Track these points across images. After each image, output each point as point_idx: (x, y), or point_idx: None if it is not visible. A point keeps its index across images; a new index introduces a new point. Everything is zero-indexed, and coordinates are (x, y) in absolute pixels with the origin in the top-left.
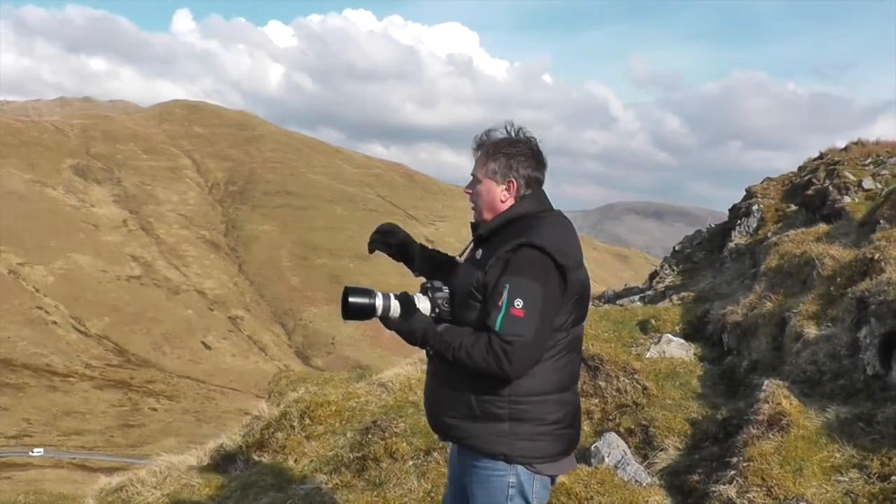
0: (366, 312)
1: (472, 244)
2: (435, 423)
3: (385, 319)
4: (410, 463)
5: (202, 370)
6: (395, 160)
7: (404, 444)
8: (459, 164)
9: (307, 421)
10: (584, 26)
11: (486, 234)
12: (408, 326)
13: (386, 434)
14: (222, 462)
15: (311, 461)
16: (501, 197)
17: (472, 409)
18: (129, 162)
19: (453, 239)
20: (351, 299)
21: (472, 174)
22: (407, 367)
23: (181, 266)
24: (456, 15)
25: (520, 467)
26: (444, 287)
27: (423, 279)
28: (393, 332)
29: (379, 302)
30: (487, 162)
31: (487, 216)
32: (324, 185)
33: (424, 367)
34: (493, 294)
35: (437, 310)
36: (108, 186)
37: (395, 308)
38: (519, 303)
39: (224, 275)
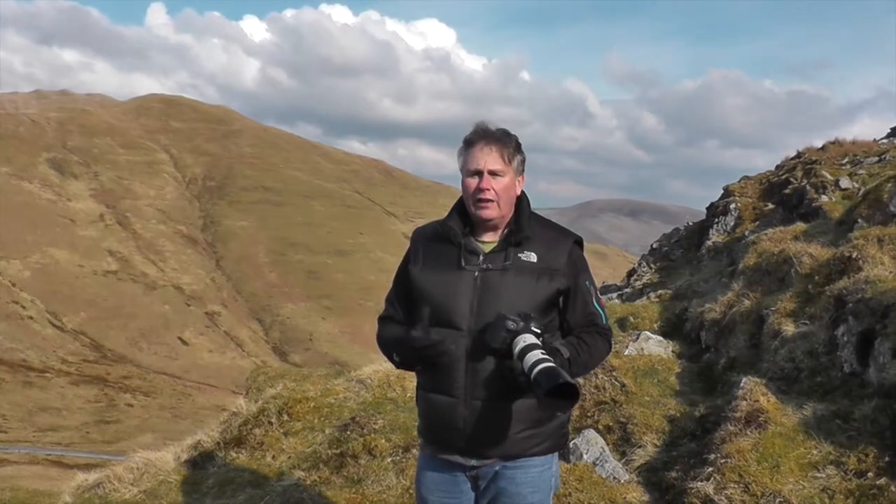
0: None
1: (475, 247)
2: (495, 447)
3: None
4: (389, 459)
5: (179, 366)
6: (373, 156)
7: (383, 440)
8: (438, 160)
9: (285, 417)
10: (561, 24)
11: (523, 236)
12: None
13: (364, 431)
14: (200, 459)
15: (290, 458)
16: (517, 190)
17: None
18: (106, 156)
19: None
20: (570, 379)
21: (488, 168)
22: (385, 364)
23: (158, 261)
24: (433, 11)
25: (556, 453)
26: (528, 313)
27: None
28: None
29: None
30: (515, 154)
31: (507, 212)
32: (302, 181)
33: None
34: (581, 293)
35: (541, 338)
36: (84, 180)
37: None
38: (598, 293)
39: (201, 270)
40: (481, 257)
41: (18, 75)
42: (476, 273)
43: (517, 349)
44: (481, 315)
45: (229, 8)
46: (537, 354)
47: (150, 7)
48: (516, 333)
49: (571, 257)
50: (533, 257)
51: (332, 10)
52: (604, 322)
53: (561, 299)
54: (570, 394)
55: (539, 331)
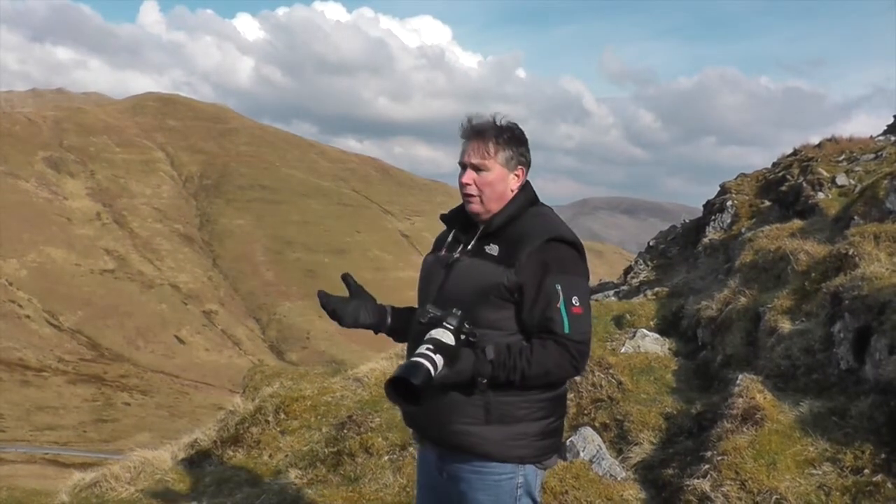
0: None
1: (461, 236)
2: (434, 432)
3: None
4: (386, 458)
5: (176, 365)
6: (370, 154)
7: (379, 439)
8: (434, 158)
9: (282, 416)
10: (556, 21)
11: (496, 228)
12: (455, 371)
13: (361, 429)
14: (196, 457)
15: (286, 456)
16: (512, 186)
17: (489, 413)
18: (103, 154)
19: (429, 234)
20: (414, 381)
21: (469, 162)
22: (382, 361)
23: (155, 260)
24: (427, 8)
25: (529, 466)
26: (455, 311)
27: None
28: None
29: (433, 370)
30: (499, 148)
31: (494, 207)
32: (298, 180)
33: (401, 362)
34: (543, 296)
35: (462, 336)
36: (81, 179)
37: (440, 361)
38: (576, 300)
39: (198, 269)
40: (461, 247)
41: (12, 73)
42: (450, 261)
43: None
44: (439, 302)
45: (222, 6)
46: (422, 349)
47: (144, 5)
48: (430, 326)
49: (540, 255)
50: (495, 250)
51: (326, 8)
52: (564, 330)
53: (516, 296)
54: (411, 396)
55: (453, 326)
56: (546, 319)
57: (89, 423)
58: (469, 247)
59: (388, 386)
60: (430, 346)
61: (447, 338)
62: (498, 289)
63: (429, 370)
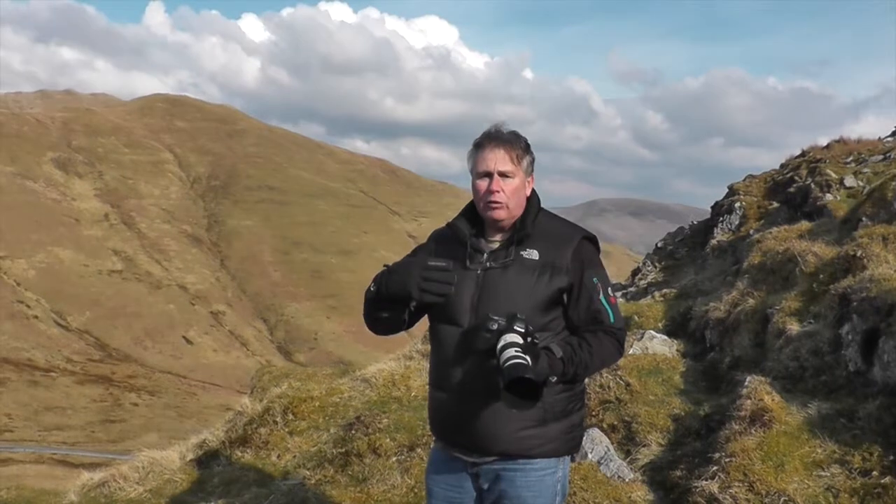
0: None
1: (476, 243)
2: (493, 444)
3: None
4: (394, 459)
5: (183, 365)
6: (377, 155)
7: (387, 439)
8: (441, 159)
9: (290, 416)
10: (563, 21)
11: (527, 232)
12: (536, 371)
13: (369, 430)
14: (205, 458)
15: (295, 457)
16: (528, 192)
17: (545, 412)
18: (111, 156)
19: None
20: (532, 377)
21: (498, 170)
22: (390, 362)
23: (163, 260)
24: (433, 8)
25: (565, 459)
26: (514, 313)
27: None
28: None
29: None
30: (524, 156)
31: (516, 213)
32: (306, 180)
33: (408, 362)
34: (585, 291)
35: (528, 338)
36: (89, 180)
37: (529, 362)
38: (610, 291)
39: (206, 269)
40: (485, 256)
41: (17, 74)
42: (479, 271)
43: (498, 348)
44: (480, 312)
45: (227, 6)
46: (511, 352)
47: (149, 5)
48: (499, 333)
49: (578, 254)
50: (535, 254)
51: (331, 8)
52: (611, 321)
53: (565, 297)
54: (530, 393)
55: (523, 330)
56: (594, 312)
57: (97, 424)
58: (510, 255)
59: (505, 390)
60: (518, 349)
61: (516, 338)
62: (558, 293)
63: (531, 368)
